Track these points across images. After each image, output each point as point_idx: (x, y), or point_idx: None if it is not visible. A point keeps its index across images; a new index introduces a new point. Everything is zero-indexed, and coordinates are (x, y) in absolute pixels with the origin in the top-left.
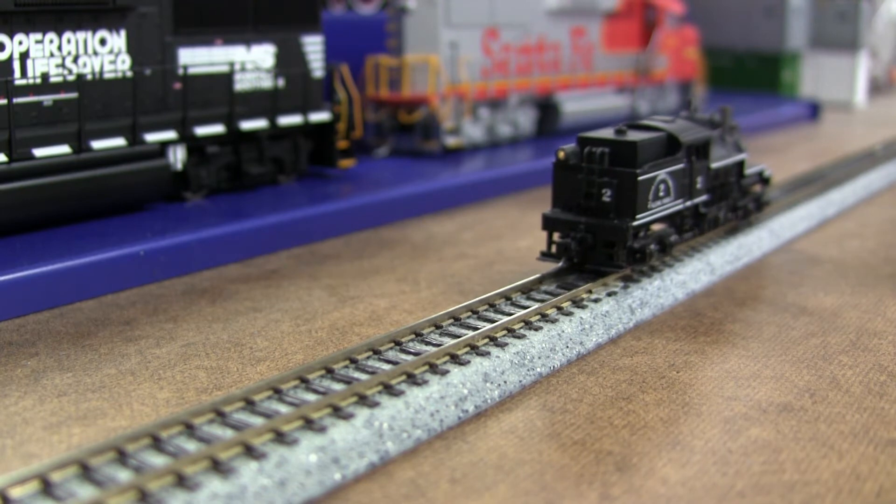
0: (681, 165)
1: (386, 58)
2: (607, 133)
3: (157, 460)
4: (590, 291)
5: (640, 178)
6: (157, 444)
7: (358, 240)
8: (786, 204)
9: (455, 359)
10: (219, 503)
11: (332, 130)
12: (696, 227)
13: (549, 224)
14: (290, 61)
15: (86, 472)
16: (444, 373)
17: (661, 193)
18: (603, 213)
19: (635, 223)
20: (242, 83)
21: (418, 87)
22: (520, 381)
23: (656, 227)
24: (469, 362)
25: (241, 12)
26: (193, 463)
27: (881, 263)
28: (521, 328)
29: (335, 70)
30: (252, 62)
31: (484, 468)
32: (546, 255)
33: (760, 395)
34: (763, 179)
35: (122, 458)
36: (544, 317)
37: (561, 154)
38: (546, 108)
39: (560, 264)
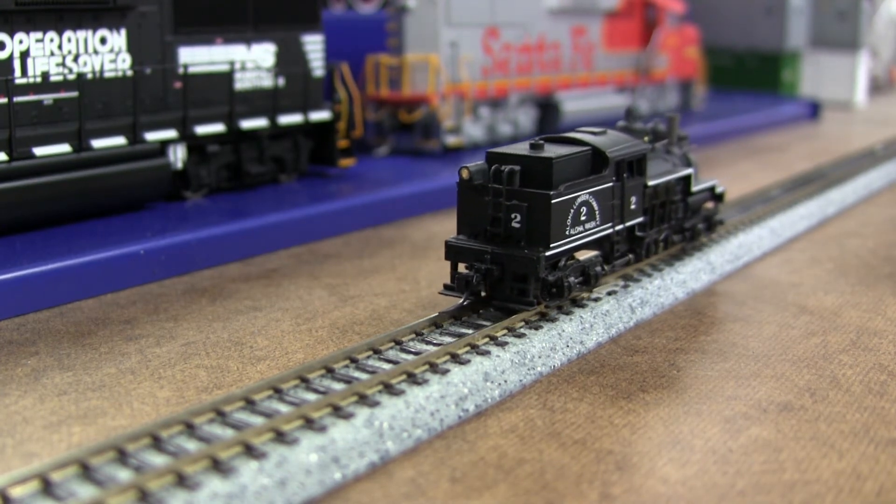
0: (608, 184)
1: (386, 57)
2: (521, 148)
3: (158, 460)
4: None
5: (555, 200)
6: (157, 443)
7: (358, 239)
8: (786, 203)
9: (455, 358)
10: (219, 503)
11: (332, 129)
12: (631, 253)
13: (451, 253)
14: (290, 60)
15: (86, 472)
16: (445, 372)
17: (584, 217)
18: (512, 241)
19: (549, 253)
20: (243, 82)
21: (418, 86)
22: (520, 381)
23: (585, 254)
24: (469, 361)
25: (241, 11)
26: (194, 462)
27: (881, 263)
28: (521, 327)
29: (335, 69)
30: (252, 61)
31: (484, 467)
32: (449, 289)
33: (761, 395)
34: (715, 196)
35: (122, 457)
36: (544, 316)
37: (464, 173)
38: (546, 108)
39: (462, 301)
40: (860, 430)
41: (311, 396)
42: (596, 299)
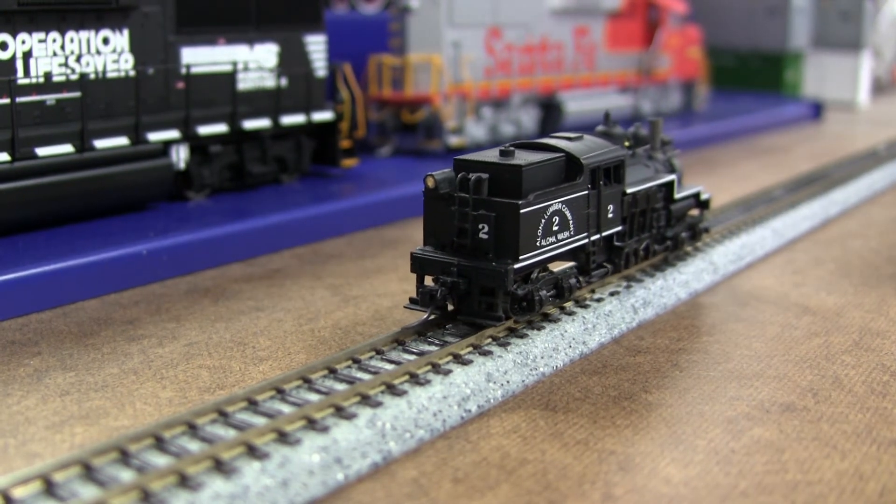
0: (582, 192)
1: (389, 57)
2: (489, 155)
3: (160, 460)
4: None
5: (524, 210)
6: (159, 443)
7: (361, 239)
8: (789, 203)
9: (458, 358)
10: (221, 503)
11: (334, 130)
12: (610, 264)
13: (417, 265)
14: (292, 60)
15: (88, 472)
16: (447, 372)
17: (556, 227)
18: (480, 253)
19: (518, 265)
20: (245, 82)
21: (421, 86)
22: (522, 381)
23: (559, 265)
24: (472, 362)
25: (243, 12)
26: (196, 463)
27: (884, 263)
28: (524, 328)
29: (338, 69)
30: (255, 61)
31: (487, 467)
32: (414, 303)
33: (763, 395)
34: (700, 203)
35: (124, 458)
36: (547, 316)
37: (429, 181)
38: (549, 108)
39: (427, 316)
40: (863, 431)
41: (314, 397)
42: (598, 300)
